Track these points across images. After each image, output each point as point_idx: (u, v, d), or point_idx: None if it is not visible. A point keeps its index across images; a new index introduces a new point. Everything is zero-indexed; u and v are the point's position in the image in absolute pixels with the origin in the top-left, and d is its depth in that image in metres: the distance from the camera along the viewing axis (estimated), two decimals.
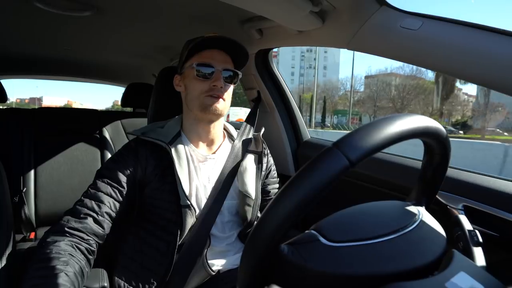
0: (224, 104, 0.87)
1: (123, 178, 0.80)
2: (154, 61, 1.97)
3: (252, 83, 1.42)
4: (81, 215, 0.73)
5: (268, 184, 1.06)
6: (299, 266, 0.39)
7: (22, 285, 0.60)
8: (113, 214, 0.77)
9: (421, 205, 0.52)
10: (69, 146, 1.51)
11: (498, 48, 0.61)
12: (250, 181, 0.91)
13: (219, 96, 0.85)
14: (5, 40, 1.56)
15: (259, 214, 0.94)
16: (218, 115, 0.87)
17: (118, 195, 0.79)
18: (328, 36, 0.96)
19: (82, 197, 0.77)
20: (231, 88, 0.89)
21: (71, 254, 0.67)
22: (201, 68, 0.84)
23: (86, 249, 0.72)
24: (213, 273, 0.83)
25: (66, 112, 1.68)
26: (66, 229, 0.71)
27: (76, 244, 0.70)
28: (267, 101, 1.42)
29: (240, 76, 0.90)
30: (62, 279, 0.61)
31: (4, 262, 0.69)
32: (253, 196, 0.91)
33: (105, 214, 0.75)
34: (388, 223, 0.45)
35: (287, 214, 0.35)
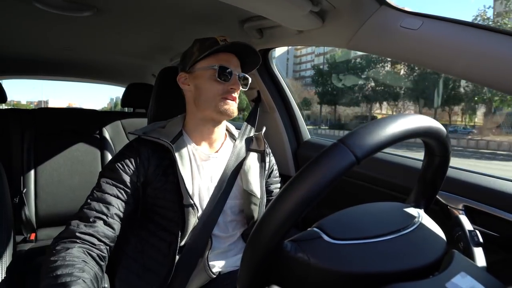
0: (236, 107, 0.89)
1: (127, 179, 0.79)
2: (154, 61, 1.97)
3: (252, 83, 1.42)
4: (91, 219, 0.72)
5: (271, 184, 1.06)
6: (302, 262, 0.39)
7: None
8: (122, 215, 0.77)
9: (420, 207, 0.52)
10: (69, 146, 1.51)
11: (498, 48, 0.61)
12: (254, 180, 0.91)
13: (233, 99, 0.87)
14: (4, 40, 1.56)
15: None
16: (230, 117, 0.88)
17: (124, 195, 0.78)
18: (328, 36, 0.96)
19: (89, 200, 0.76)
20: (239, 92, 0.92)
21: (84, 261, 0.66)
22: (222, 71, 0.85)
23: (98, 255, 0.71)
24: (214, 276, 0.83)
25: (66, 113, 1.68)
26: (77, 234, 0.70)
27: (88, 251, 0.69)
28: (267, 101, 1.42)
29: (250, 81, 0.93)
30: (81, 286, 0.60)
31: (4, 263, 0.69)
32: (259, 195, 0.91)
33: (114, 216, 0.75)
34: (389, 223, 0.45)
35: (292, 210, 0.35)
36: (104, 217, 0.74)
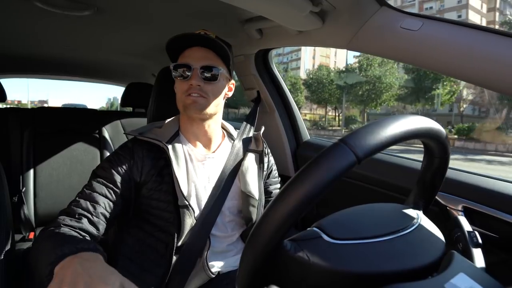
0: (207, 102, 0.84)
1: (118, 179, 0.79)
2: (154, 61, 1.97)
3: (252, 83, 1.42)
4: (76, 215, 0.73)
5: (270, 185, 1.05)
6: (302, 262, 0.39)
7: (47, 249, 0.59)
8: (108, 215, 0.77)
9: (419, 209, 0.53)
10: (69, 145, 1.51)
11: (498, 49, 0.61)
12: (252, 181, 0.91)
13: (199, 94, 0.83)
14: (4, 39, 1.56)
15: None
16: (201, 114, 0.85)
17: (113, 195, 0.78)
18: (328, 36, 0.96)
19: (77, 198, 0.77)
20: (217, 86, 0.86)
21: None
22: (177, 68, 0.84)
23: None
24: (213, 276, 0.83)
25: (66, 112, 1.67)
26: (62, 225, 0.70)
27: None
28: (267, 102, 1.42)
29: (221, 71, 0.85)
30: (90, 242, 0.62)
31: (3, 262, 0.68)
32: (257, 197, 0.90)
33: (100, 215, 0.75)
34: (388, 224, 0.46)
35: (292, 209, 0.35)
36: (89, 215, 0.74)
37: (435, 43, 0.69)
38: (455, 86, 22.22)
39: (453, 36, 0.67)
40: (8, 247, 0.72)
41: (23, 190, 1.35)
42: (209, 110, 0.86)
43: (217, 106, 0.88)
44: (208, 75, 0.84)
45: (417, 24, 0.72)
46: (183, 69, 0.83)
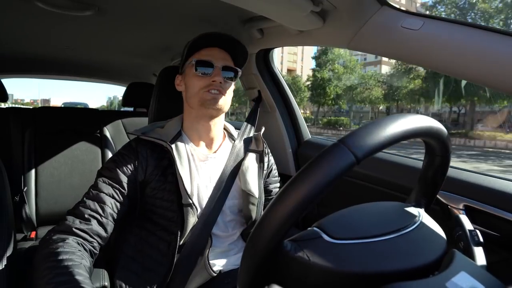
0: (224, 99, 0.87)
1: (123, 179, 0.80)
2: (155, 60, 1.97)
3: (253, 82, 1.42)
4: (85, 216, 0.73)
5: (270, 184, 1.06)
6: (302, 262, 0.39)
7: (43, 279, 0.60)
8: (115, 216, 0.77)
9: (420, 207, 0.52)
10: (70, 145, 1.51)
11: (498, 48, 0.61)
12: (252, 180, 0.91)
13: (219, 91, 0.85)
14: (5, 39, 1.56)
15: None
16: (218, 110, 0.86)
17: (120, 195, 0.79)
18: (329, 36, 0.96)
19: (85, 198, 0.77)
20: (231, 85, 0.90)
21: (80, 251, 0.69)
22: (200, 64, 0.85)
23: (90, 250, 0.72)
24: (215, 274, 0.83)
25: (67, 112, 1.68)
26: (73, 229, 0.71)
27: (83, 244, 0.71)
28: (268, 101, 1.42)
29: (240, 74, 0.90)
30: (83, 270, 0.63)
31: (5, 261, 0.69)
32: (257, 195, 0.91)
33: (108, 216, 0.76)
34: (389, 223, 0.45)
35: (292, 210, 0.35)
36: (98, 216, 0.74)
37: (436, 42, 0.69)
38: (385, 89, 28.30)
39: (454, 35, 0.67)
40: (10, 246, 0.72)
41: (24, 190, 1.36)
42: (224, 107, 0.88)
43: (228, 105, 0.91)
44: (228, 75, 0.87)
45: (418, 23, 0.72)
46: (205, 65, 0.85)
